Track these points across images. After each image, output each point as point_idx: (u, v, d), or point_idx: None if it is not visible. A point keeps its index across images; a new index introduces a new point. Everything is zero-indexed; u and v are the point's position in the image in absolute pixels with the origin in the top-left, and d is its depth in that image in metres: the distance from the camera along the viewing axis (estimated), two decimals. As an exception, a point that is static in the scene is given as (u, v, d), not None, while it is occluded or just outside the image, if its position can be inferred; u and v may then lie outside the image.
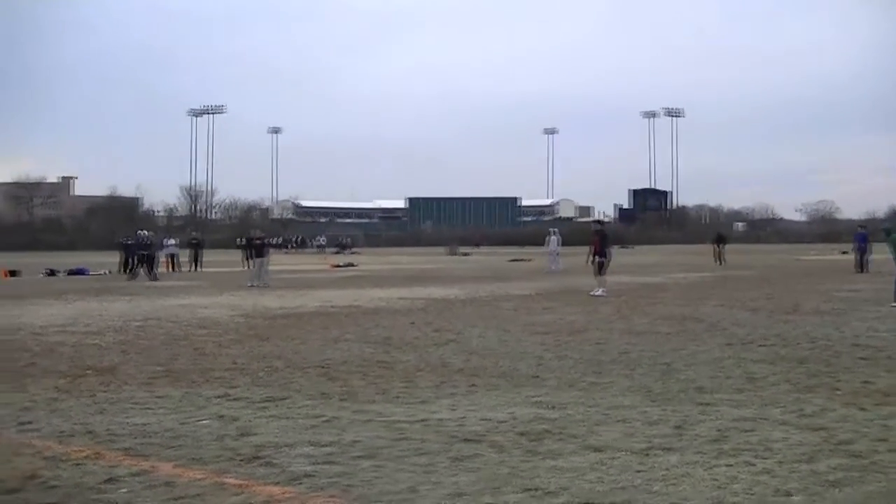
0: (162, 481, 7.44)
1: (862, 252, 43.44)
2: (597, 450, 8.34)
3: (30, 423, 9.92)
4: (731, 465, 7.74)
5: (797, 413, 10.00)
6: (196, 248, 54.03)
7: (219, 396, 11.32)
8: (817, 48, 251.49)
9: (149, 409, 10.64)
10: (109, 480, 7.51)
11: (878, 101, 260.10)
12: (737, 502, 6.76)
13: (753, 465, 7.77)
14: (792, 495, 6.92)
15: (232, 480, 7.44)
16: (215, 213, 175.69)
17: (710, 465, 7.79)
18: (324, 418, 9.90)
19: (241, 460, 8.13)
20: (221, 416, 10.09)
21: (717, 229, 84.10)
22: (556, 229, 54.62)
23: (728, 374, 12.84)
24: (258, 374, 13.18)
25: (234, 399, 11.14)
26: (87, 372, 13.60)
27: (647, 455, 8.14)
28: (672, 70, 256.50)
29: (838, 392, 11.30)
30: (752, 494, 6.93)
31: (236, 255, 42.04)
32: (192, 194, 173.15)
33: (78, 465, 8.04)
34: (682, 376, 12.62)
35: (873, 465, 7.80)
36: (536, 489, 7.12)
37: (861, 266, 42.72)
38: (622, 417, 9.81)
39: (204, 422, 9.84)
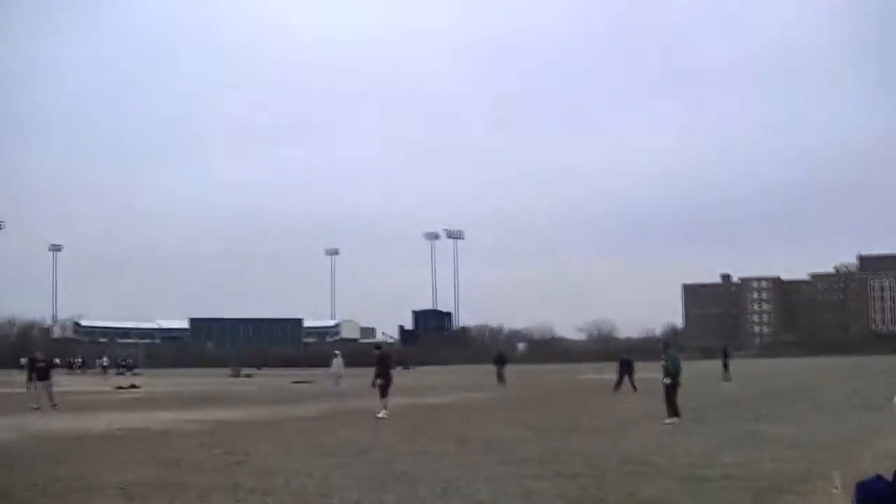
0: None
1: (628, 374, 45.46)
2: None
3: None
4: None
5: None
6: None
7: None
8: (590, 166, 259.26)
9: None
10: None
11: (652, 220, 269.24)
12: None
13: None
14: None
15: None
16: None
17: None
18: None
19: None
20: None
21: (497, 350, 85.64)
22: (338, 351, 55.05)
23: (506, 490, 13.72)
24: (58, 495, 13.49)
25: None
26: None
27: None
28: (453, 191, 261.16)
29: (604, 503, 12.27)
30: None
31: (16, 376, 41.21)
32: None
33: None
34: (463, 492, 13.45)
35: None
36: None
37: (631, 386, 44.54)
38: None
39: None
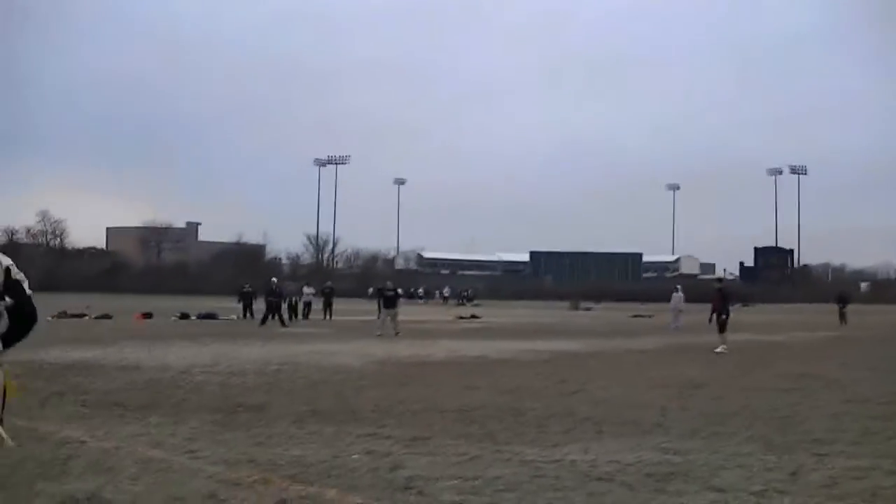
0: None
1: None
2: (717, 490, 9.07)
3: (196, 451, 10.92)
4: (840, 508, 8.39)
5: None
6: (328, 296, 56.14)
7: (366, 434, 12.17)
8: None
9: (302, 443, 11.57)
10: (281, 502, 8.43)
11: None
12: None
13: (861, 508, 8.41)
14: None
15: (391, 505, 8.29)
16: (338, 262, 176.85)
17: (820, 506, 8.45)
18: (466, 456, 10.71)
19: (395, 490, 9.00)
20: (371, 452, 10.95)
21: (839, 289, 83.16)
22: (679, 286, 54.64)
23: (844, 427, 13.36)
24: (401, 416, 14.05)
25: (381, 437, 11.99)
26: (238, 409, 14.63)
27: (763, 496, 8.84)
28: (797, 127, 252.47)
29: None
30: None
31: (363, 305, 43.16)
32: (317, 243, 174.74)
33: (249, 488, 8.98)
34: (800, 428, 13.19)
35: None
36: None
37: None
38: (741, 464, 10.47)
39: (355, 456, 10.71)
